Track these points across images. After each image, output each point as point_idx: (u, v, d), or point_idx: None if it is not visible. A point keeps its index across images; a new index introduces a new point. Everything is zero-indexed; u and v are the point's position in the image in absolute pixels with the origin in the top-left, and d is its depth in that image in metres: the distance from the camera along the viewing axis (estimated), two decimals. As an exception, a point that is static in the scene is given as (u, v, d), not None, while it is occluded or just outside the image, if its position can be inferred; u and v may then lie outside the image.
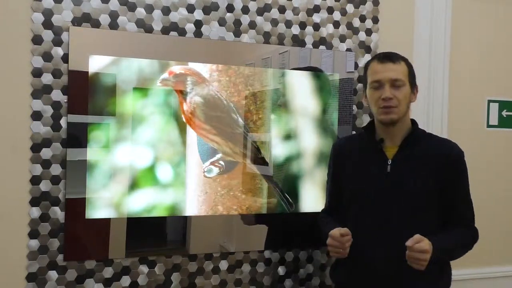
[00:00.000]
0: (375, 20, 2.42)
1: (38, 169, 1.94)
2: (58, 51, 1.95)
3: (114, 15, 2.02)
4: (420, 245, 1.73)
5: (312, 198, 2.26)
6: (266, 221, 2.26)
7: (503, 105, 2.73)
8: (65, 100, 1.96)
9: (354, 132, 2.35)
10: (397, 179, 1.88)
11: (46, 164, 1.94)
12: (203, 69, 2.10)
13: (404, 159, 1.89)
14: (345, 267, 1.95)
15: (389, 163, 1.89)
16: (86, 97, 1.97)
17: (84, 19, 1.98)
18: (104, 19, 2.00)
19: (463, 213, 1.91)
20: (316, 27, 2.32)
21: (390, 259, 1.84)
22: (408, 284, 1.85)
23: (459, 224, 1.90)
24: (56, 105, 1.95)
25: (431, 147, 1.92)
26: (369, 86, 1.91)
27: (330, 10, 2.34)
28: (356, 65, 2.37)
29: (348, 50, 2.37)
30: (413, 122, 1.97)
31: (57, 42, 1.95)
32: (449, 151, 1.92)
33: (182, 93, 2.08)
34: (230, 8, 2.18)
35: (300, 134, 2.27)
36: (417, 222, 1.81)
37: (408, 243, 1.73)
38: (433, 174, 1.87)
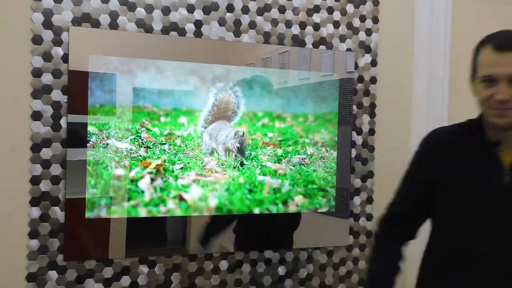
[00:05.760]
0: (375, 20, 2.42)
1: (38, 169, 1.94)
2: (58, 51, 1.95)
3: (114, 15, 2.02)
4: None
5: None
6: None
7: (503, 105, 2.72)
8: (65, 100, 1.96)
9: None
10: None
11: (46, 164, 1.94)
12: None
13: None
14: None
15: (506, 172, 1.50)
16: (86, 97, 1.97)
17: (84, 19, 1.98)
18: (104, 19, 2.00)
19: None
20: (316, 27, 2.32)
21: None
22: None
23: None
24: (56, 105, 1.95)
25: None
26: (479, 79, 1.51)
27: (330, 10, 2.34)
28: (356, 65, 2.37)
29: (348, 50, 2.37)
30: None
31: (57, 42, 1.95)
32: None
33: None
34: (230, 8, 2.18)
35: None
36: None
37: None
38: None
